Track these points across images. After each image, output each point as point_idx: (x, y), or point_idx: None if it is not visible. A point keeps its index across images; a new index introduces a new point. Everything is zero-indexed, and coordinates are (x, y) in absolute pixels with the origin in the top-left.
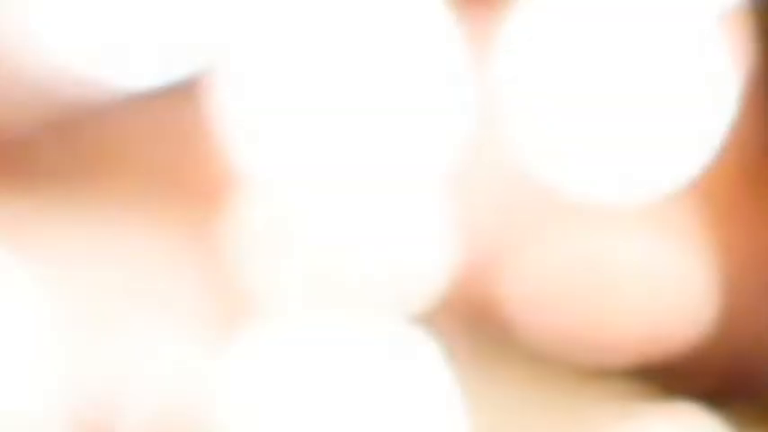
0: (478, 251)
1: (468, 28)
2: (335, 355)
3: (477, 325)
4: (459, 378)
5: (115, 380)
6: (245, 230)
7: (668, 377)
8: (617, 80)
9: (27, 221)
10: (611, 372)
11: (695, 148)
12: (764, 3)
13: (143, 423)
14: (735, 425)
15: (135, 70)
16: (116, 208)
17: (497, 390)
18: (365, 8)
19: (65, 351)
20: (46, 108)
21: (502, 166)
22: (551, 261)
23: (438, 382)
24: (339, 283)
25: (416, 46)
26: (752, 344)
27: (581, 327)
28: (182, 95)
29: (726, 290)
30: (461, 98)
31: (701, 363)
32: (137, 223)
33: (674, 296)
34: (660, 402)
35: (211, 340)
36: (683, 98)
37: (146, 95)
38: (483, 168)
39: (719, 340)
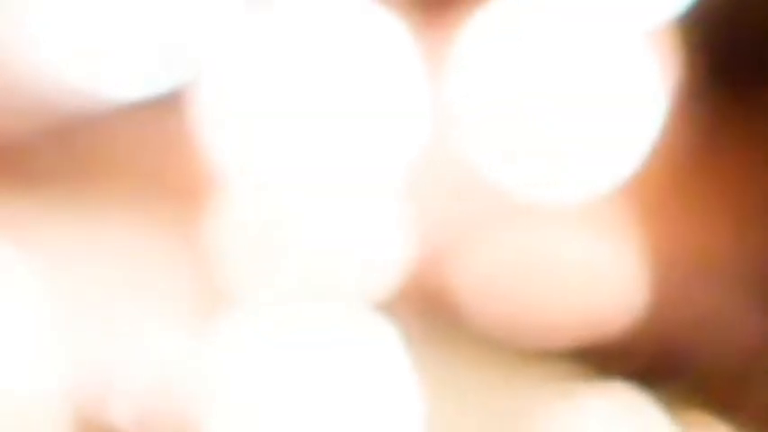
0: (433, 245)
1: (424, 44)
2: (305, 339)
3: (431, 312)
4: (415, 358)
5: (110, 363)
6: (224, 228)
7: (603, 359)
8: (556, 91)
9: (27, 220)
10: (552, 353)
11: (627, 152)
12: (691, 20)
13: (136, 404)
14: (663, 403)
15: (125, 82)
16: (108, 207)
17: (449, 369)
18: (330, 26)
19: (63, 339)
20: (45, 116)
21: (454, 169)
22: (498, 254)
23: (396, 362)
24: (308, 274)
25: (377, 61)
26: (678, 329)
27: (525, 313)
28: (168, 105)
29: (654, 280)
30: (417, 108)
31: (632, 346)
32: (127, 221)
33: (608, 286)
34: (595, 382)
35: (195, 327)
36: (617, 107)
37: (135, 105)
38: (437, 171)
39: (649, 325)
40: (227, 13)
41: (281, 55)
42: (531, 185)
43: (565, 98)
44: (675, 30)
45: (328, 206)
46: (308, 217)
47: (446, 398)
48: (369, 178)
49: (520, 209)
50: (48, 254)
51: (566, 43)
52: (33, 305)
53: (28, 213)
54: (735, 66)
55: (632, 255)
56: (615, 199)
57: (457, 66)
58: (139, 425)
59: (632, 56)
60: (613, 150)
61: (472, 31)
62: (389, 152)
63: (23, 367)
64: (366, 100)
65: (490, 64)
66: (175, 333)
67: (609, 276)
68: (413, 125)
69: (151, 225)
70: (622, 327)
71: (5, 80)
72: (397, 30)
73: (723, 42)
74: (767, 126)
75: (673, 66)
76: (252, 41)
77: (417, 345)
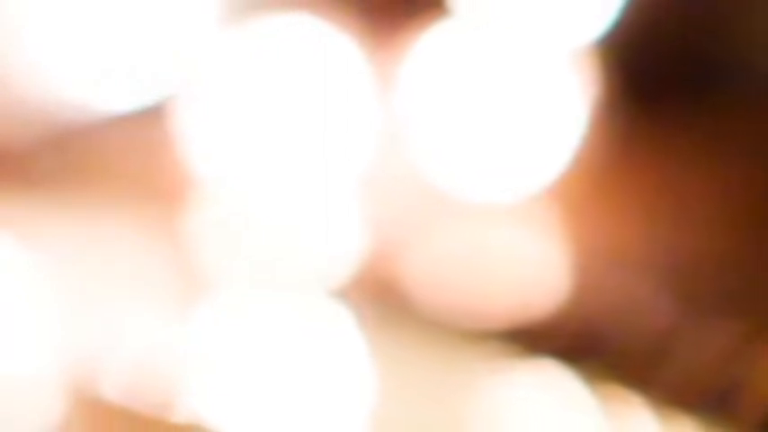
0: (384, 240)
1: (376, 66)
2: (272, 320)
3: (383, 298)
4: (368, 338)
5: (102, 341)
6: (200, 223)
7: (532, 338)
8: (491, 104)
9: (27, 216)
10: (488, 334)
11: (553, 158)
12: (608, 43)
13: (125, 377)
14: (583, 377)
15: (116, 96)
16: (100, 206)
17: (398, 347)
18: (296, 47)
19: (61, 320)
20: (45, 126)
21: (402, 172)
22: (442, 247)
23: (351, 342)
24: (276, 265)
25: (336, 80)
26: (597, 313)
27: (465, 298)
28: (152, 117)
29: (576, 270)
30: (371, 119)
31: (557, 327)
32: (116, 218)
33: (537, 275)
34: (525, 359)
35: (175, 308)
36: (544, 119)
37: (123, 117)
38: (387, 174)
39: (571, 309)
40: (202, 37)
41: (250, 71)
42: (469, 187)
43: (498, 110)
44: (595, 51)
45: (293, 205)
46: (276, 215)
47: (395, 372)
48: (328, 181)
49: (460, 207)
50: (47, 247)
51: (499, 62)
52: (34, 291)
53: (29, 211)
54: (646, 83)
55: (557, 248)
56: (543, 199)
57: (404, 82)
58: (128, 395)
59: (558, 73)
60: (541, 156)
61: (417, 52)
62: (346, 158)
63: (26, 345)
64: (325, 112)
65: (433, 80)
66: (159, 314)
67: (537, 266)
68: (366, 134)
69: (138, 221)
70: (549, 310)
71: (10, 95)
72: (353, 52)
73: (636, 63)
74: (674, 136)
75: (592, 82)
76: (224, 60)
77: (370, 326)
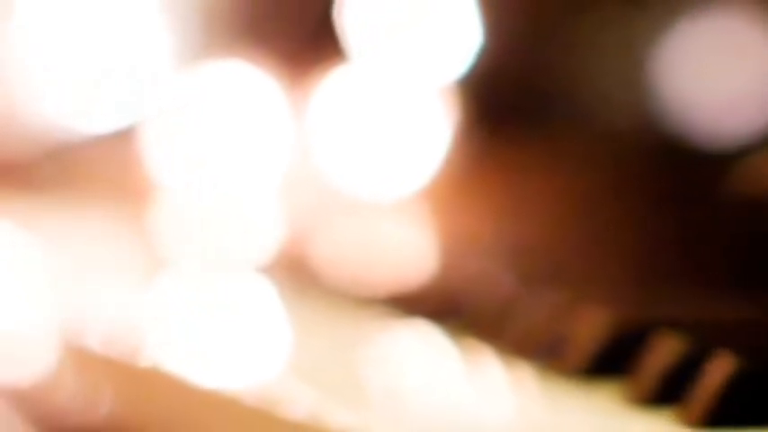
0: (297, 228)
1: (291, 97)
2: (213, 289)
3: (296, 273)
4: (285, 305)
5: (85, 305)
6: (160, 217)
7: (408, 303)
8: (376, 127)
9: (28, 213)
10: (375, 300)
11: (424, 168)
12: (466, 80)
13: (103, 329)
14: (448, 334)
15: (97, 121)
16: (84, 204)
17: (308, 311)
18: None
19: (53, 287)
20: (42, 143)
21: (311, 177)
22: (341, 233)
23: (272, 310)
24: (215, 248)
25: (260, 109)
26: (457, 284)
27: (358, 273)
28: (125, 137)
29: (442, 252)
30: (287, 137)
31: (427, 294)
32: (97, 213)
33: (411, 254)
34: (403, 319)
35: (141, 279)
36: (418, 138)
37: (103, 137)
38: (300, 178)
39: (438, 281)
40: (163, 77)
41: (199, 103)
42: (362, 188)
43: (383, 131)
44: (456, 88)
45: (229, 204)
46: (216, 211)
47: (306, 333)
48: (254, 185)
49: (355, 204)
50: (44, 234)
51: (384, 96)
52: (34, 266)
53: (29, 209)
54: (494, 112)
55: (427, 234)
56: (416, 198)
57: (313, 109)
58: (106, 345)
59: (428, 104)
60: (415, 166)
61: (323, 87)
62: (268, 166)
63: (27, 306)
64: (252, 132)
65: (335, 108)
66: (129, 284)
67: (412, 248)
68: (283, 148)
69: (113, 216)
70: (421, 281)
71: (16, 120)
72: (274, 88)
73: (487, 96)
74: (514, 152)
75: (454, 110)
76: (179, 94)
77: (287, 296)
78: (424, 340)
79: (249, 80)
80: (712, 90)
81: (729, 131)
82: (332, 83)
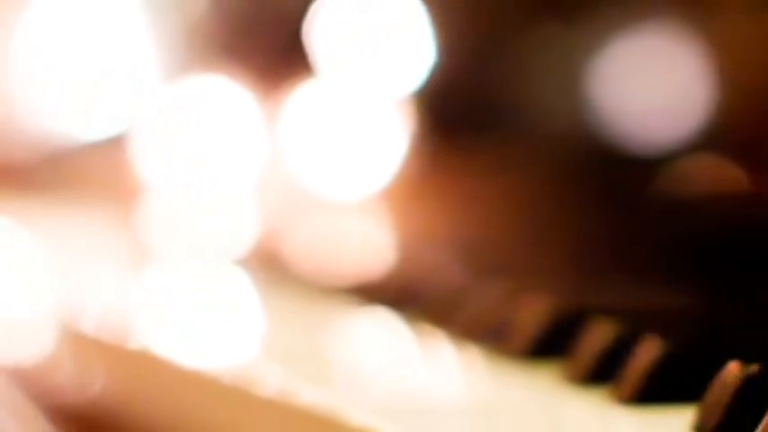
0: (271, 224)
1: (265, 108)
2: (195, 278)
3: (270, 264)
4: (259, 293)
5: (81, 291)
6: (149, 216)
7: (369, 292)
8: (341, 135)
9: (28, 212)
10: (341, 289)
11: (385, 172)
12: (421, 93)
13: (97, 314)
14: (405, 320)
15: (92, 129)
16: (79, 203)
17: (281, 298)
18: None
19: (49, 279)
20: (41, 149)
21: (283, 179)
22: (310, 230)
23: (248, 299)
24: (197, 242)
25: (237, 119)
26: (414, 274)
27: (325, 265)
28: (117, 142)
29: (400, 245)
30: (262, 143)
31: (387, 284)
32: (90, 212)
33: (373, 249)
34: (365, 307)
35: (131, 269)
36: (379, 145)
37: (97, 143)
38: (273, 179)
39: (397, 273)
40: (151, 90)
41: (183, 113)
42: (329, 189)
43: (348, 138)
44: (412, 100)
45: (209, 203)
46: (198, 209)
47: (278, 319)
48: (232, 183)
49: (323, 203)
50: (44, 230)
51: (347, 107)
52: (35, 259)
53: (30, 208)
54: (447, 122)
55: (387, 231)
56: (377, 198)
57: (285, 119)
58: (99, 329)
59: (387, 114)
60: (377, 170)
61: (293, 99)
62: (244, 168)
63: (29, 294)
64: (231, 139)
65: (304, 118)
66: (120, 274)
67: (373, 243)
68: (258, 151)
69: (106, 214)
70: (381, 273)
71: (18, 129)
72: (250, 100)
73: (440, 107)
74: (466, 157)
75: (410, 120)
76: (165, 105)
77: (261, 285)
78: (384, 326)
79: (227, 92)
80: (641, 102)
81: (656, 138)
82: (301, 95)
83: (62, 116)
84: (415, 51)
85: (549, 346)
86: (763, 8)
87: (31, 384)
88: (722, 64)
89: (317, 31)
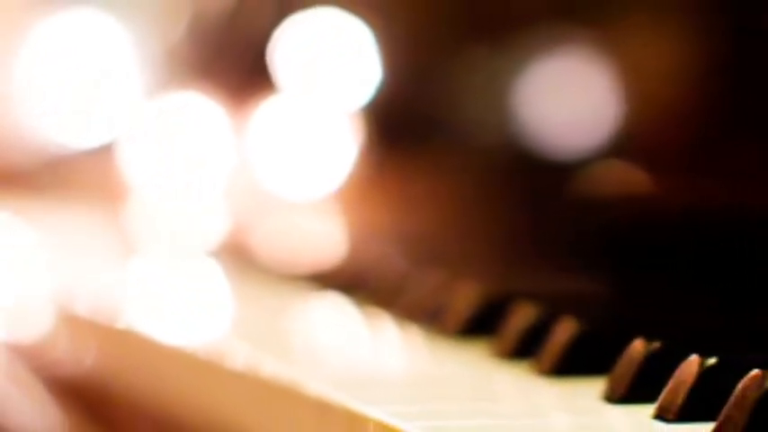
0: (239, 221)
1: (234, 120)
2: (174, 268)
3: (238, 256)
4: (229, 282)
5: (73, 282)
6: (135, 214)
7: (324, 279)
8: (300, 143)
9: (29, 210)
10: (300, 276)
11: (338, 176)
12: (369, 107)
13: (89, 298)
14: (355, 303)
15: (84, 138)
16: (74, 203)
17: (248, 286)
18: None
19: (48, 268)
20: (40, 155)
21: (250, 181)
22: (273, 225)
23: (219, 285)
24: (175, 236)
25: (210, 129)
26: (363, 263)
27: (286, 256)
28: (106, 150)
29: (351, 239)
30: (231, 151)
31: (340, 273)
32: (83, 211)
33: (328, 241)
34: (320, 292)
35: (118, 260)
36: (332, 151)
37: (89, 150)
38: (240, 182)
39: (348, 262)
40: (137, 104)
41: (164, 124)
42: (289, 190)
43: (305, 147)
44: (361, 113)
45: (186, 202)
46: (176, 208)
47: (245, 302)
48: (205, 186)
49: (284, 202)
50: (41, 226)
51: (306, 118)
52: (34, 251)
53: (31, 207)
54: (391, 132)
55: (340, 226)
56: (331, 198)
57: (252, 130)
58: (92, 312)
59: (340, 125)
60: (330, 174)
61: (259, 112)
62: (216, 172)
63: (28, 282)
64: (205, 146)
65: (268, 129)
66: (110, 264)
67: (328, 236)
68: (227, 158)
69: (97, 211)
70: (335, 263)
71: (20, 137)
72: (220, 113)
73: (385, 120)
74: (407, 164)
75: (359, 131)
76: (149, 117)
77: (231, 274)
78: (336, 308)
79: (202, 107)
80: (557, 115)
81: (570, 146)
82: (266, 109)
83: (59, 127)
84: (363, 72)
85: (479, 326)
86: (659, 37)
87: (32, 359)
88: (626, 83)
89: (279, 54)
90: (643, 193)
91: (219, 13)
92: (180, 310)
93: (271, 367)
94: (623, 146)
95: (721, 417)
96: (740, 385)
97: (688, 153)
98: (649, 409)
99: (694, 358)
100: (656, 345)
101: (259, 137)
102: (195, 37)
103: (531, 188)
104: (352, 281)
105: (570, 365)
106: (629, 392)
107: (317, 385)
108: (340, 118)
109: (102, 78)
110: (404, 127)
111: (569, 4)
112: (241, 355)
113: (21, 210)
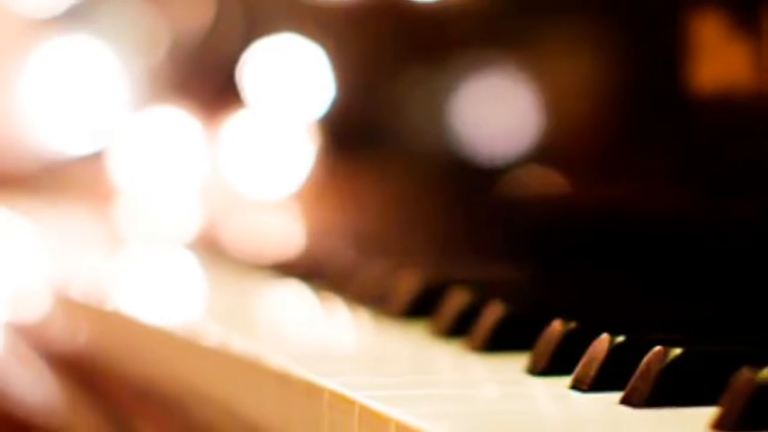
0: (211, 217)
1: (207, 131)
2: (155, 257)
3: (211, 248)
4: (203, 271)
5: (69, 270)
6: (122, 212)
7: (285, 268)
8: (246, 151)
9: (30, 209)
10: (265, 266)
11: (297, 179)
12: (325, 119)
13: (83, 284)
14: (312, 289)
15: (78, 145)
16: (69, 202)
17: (219, 275)
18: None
19: (46, 258)
20: (38, 160)
21: (220, 183)
22: (241, 221)
23: (194, 273)
24: (157, 231)
25: (186, 140)
26: (319, 255)
27: (253, 248)
28: (98, 157)
29: (308, 234)
30: (203, 158)
31: (299, 263)
32: (78, 209)
33: (285, 236)
34: (282, 280)
35: (108, 252)
36: (292, 155)
37: (82, 157)
38: (213, 183)
39: (306, 253)
40: (123, 117)
41: (147, 135)
42: (255, 190)
43: (251, 154)
44: (317, 124)
45: (165, 200)
46: (158, 206)
47: (217, 288)
48: (182, 187)
49: (250, 201)
50: (41, 223)
51: (255, 128)
52: (34, 244)
53: (31, 206)
54: (343, 141)
55: (299, 223)
56: (292, 199)
57: (222, 140)
58: (85, 296)
59: (298, 135)
60: (290, 177)
61: (226, 126)
62: (191, 176)
63: (29, 269)
64: (180, 155)
65: (241, 136)
66: (100, 256)
67: (288, 232)
68: (202, 163)
69: (89, 210)
70: (294, 254)
71: (19, 144)
72: (195, 125)
73: (338, 130)
74: (358, 168)
75: (315, 139)
76: (135, 129)
77: (204, 263)
78: (296, 293)
79: (179, 120)
80: (486, 126)
81: (498, 153)
82: (235, 122)
83: (56, 136)
84: (319, 89)
85: (420, 308)
86: (573, 60)
87: (32, 337)
88: (544, 99)
89: (247, 74)
90: (560, 194)
91: (194, 38)
92: (161, 294)
93: (239, 344)
94: (542, 153)
95: (628, 387)
96: (645, 360)
97: (598, 159)
98: (566, 381)
99: (605, 336)
100: (572, 325)
101: (229, 145)
102: (173, 59)
103: (464, 189)
104: (309, 270)
105: (498, 343)
106: (549, 366)
107: (280, 359)
108: (299, 129)
109: (93, 94)
110: (354, 136)
111: (496, 32)
112: (213, 334)
113: (21, 208)
